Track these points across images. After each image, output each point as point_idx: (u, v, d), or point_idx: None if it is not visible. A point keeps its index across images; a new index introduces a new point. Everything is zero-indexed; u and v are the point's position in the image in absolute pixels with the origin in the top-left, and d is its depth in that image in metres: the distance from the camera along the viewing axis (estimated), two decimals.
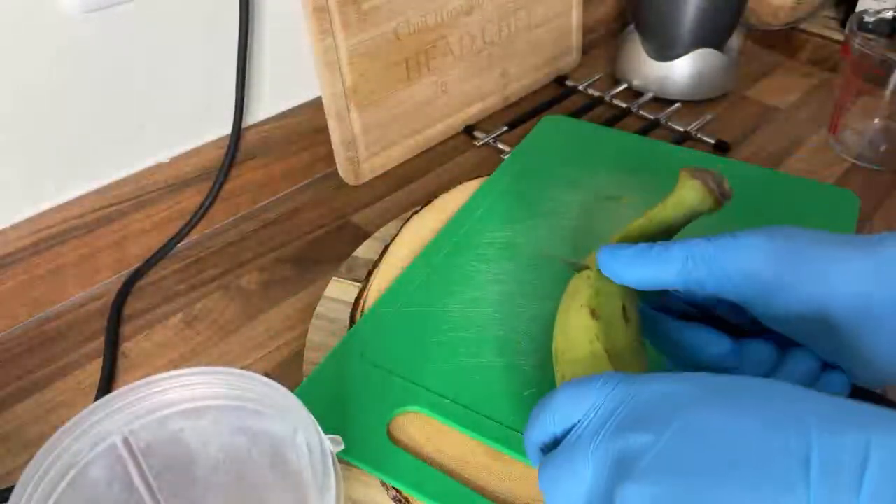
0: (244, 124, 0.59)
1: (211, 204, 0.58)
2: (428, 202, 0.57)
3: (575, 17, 0.78)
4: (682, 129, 0.69)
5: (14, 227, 0.50)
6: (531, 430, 0.32)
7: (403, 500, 0.38)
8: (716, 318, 0.38)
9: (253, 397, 0.32)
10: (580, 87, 0.76)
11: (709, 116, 0.71)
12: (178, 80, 0.54)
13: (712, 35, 0.72)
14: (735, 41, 0.74)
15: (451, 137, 0.70)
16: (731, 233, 0.34)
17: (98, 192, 0.53)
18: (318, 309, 0.50)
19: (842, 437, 0.22)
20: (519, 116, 0.72)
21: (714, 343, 0.36)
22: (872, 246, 0.32)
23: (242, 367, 0.40)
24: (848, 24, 0.63)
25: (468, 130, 0.70)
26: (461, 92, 0.69)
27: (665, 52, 0.73)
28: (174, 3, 0.52)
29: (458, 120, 0.70)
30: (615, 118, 0.72)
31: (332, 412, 0.41)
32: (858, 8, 0.80)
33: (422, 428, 0.41)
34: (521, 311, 0.47)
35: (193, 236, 0.59)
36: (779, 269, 0.33)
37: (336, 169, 0.63)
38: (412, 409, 0.42)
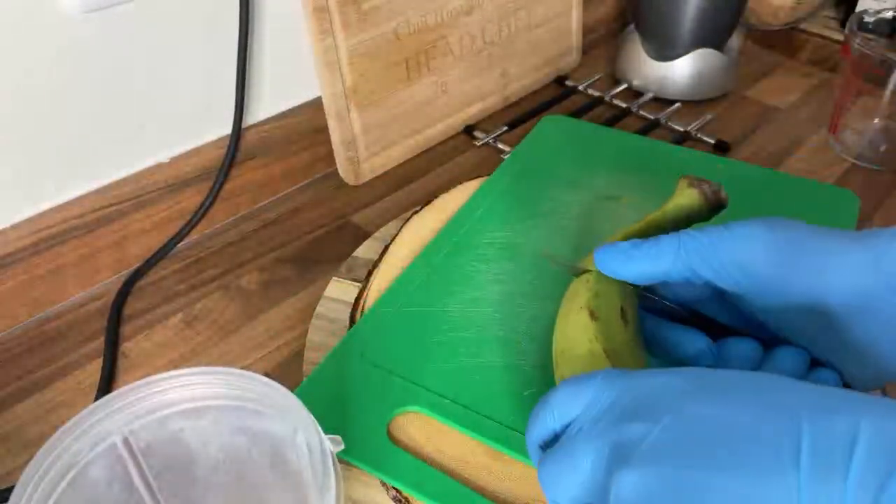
0: (244, 124, 0.59)
1: (211, 204, 0.58)
2: (428, 202, 0.57)
3: (575, 17, 0.78)
4: (682, 129, 0.69)
5: (14, 227, 0.50)
6: (531, 427, 0.32)
7: (403, 500, 0.38)
8: (705, 319, 0.39)
9: (253, 397, 0.32)
10: (580, 87, 0.76)
11: (709, 116, 0.71)
12: (178, 80, 0.54)
13: (712, 35, 0.72)
14: (735, 41, 0.74)
15: (451, 137, 0.70)
16: (723, 224, 0.35)
17: (98, 192, 0.53)
18: (318, 309, 0.50)
19: (832, 421, 0.23)
20: (519, 116, 0.72)
21: (689, 341, 0.37)
22: (871, 239, 0.32)
23: (242, 367, 0.40)
24: (848, 24, 0.63)
25: (468, 130, 0.70)
26: (461, 92, 0.69)
27: (665, 52, 0.73)
28: (174, 3, 0.52)
29: (458, 120, 0.70)
30: (615, 118, 0.72)
31: (332, 412, 0.41)
32: (858, 8, 0.80)
33: (422, 428, 0.41)
34: (521, 311, 0.47)
35: (193, 236, 0.59)
36: (777, 259, 0.33)
37: (336, 169, 0.63)
38: (412, 409, 0.42)
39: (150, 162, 0.55)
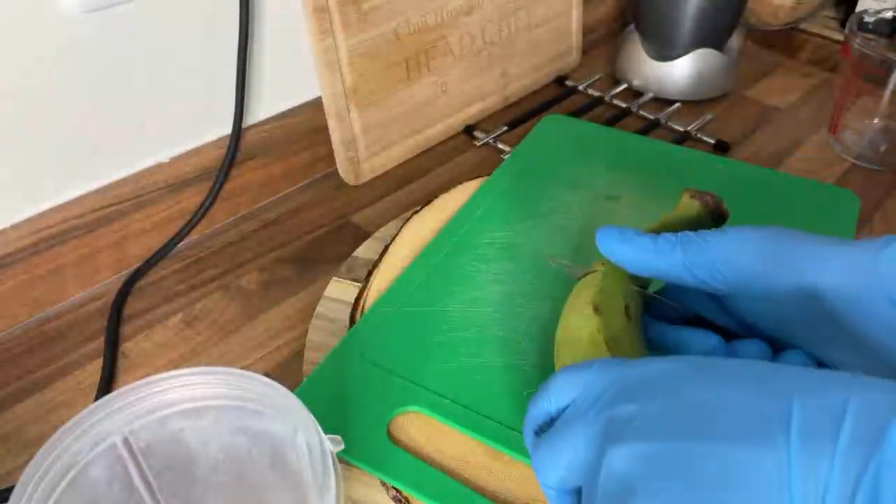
0: (244, 124, 0.59)
1: (211, 204, 0.58)
2: (428, 202, 0.57)
3: (575, 17, 0.78)
4: (682, 129, 0.69)
5: (14, 227, 0.50)
6: (529, 412, 0.32)
7: (403, 500, 0.38)
8: (711, 324, 0.39)
9: (253, 397, 0.32)
10: (580, 87, 0.76)
11: (709, 116, 0.71)
12: (178, 80, 0.54)
13: (712, 35, 0.72)
14: (735, 41, 0.74)
15: (451, 137, 0.70)
16: (719, 229, 0.36)
17: (98, 192, 0.53)
18: (318, 309, 0.50)
19: (822, 395, 0.23)
20: (519, 116, 0.72)
21: (700, 340, 0.37)
22: (863, 243, 0.32)
23: (242, 367, 0.40)
24: (848, 24, 0.63)
25: (468, 130, 0.70)
26: (461, 92, 0.69)
27: (665, 52, 0.73)
28: (174, 3, 0.52)
29: (458, 120, 0.70)
30: (615, 118, 0.72)
31: (332, 412, 0.41)
32: (858, 8, 0.80)
33: (422, 428, 0.41)
34: (521, 311, 0.47)
35: (193, 236, 0.59)
36: (766, 255, 0.33)
37: (336, 169, 0.63)
38: (412, 408, 0.42)
39: (150, 162, 0.55)
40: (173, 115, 0.55)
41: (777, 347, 0.36)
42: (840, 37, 0.83)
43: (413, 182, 0.65)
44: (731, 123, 0.71)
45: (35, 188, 0.50)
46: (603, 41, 0.86)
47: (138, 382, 0.32)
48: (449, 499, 0.37)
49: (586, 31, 0.81)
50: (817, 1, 0.84)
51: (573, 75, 0.79)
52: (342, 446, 0.31)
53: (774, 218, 0.39)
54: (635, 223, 0.50)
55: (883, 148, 0.65)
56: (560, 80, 0.78)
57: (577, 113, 0.72)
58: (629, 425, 0.26)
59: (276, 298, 0.54)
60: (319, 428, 0.30)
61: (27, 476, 0.28)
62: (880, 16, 0.66)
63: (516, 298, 0.48)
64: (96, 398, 0.46)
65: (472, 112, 0.71)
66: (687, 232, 0.36)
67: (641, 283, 0.40)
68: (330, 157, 0.63)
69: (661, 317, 0.40)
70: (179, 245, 0.58)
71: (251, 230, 0.60)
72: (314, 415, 0.31)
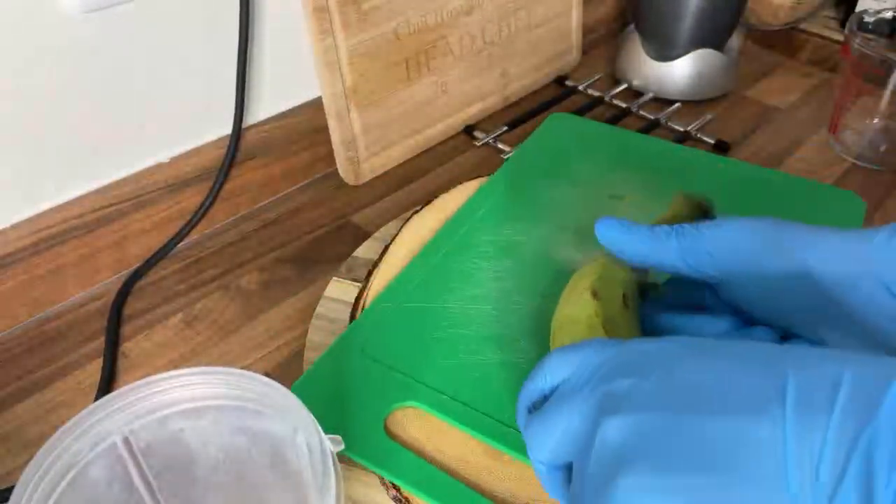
0: (244, 124, 0.59)
1: (211, 204, 0.58)
2: (428, 202, 0.57)
3: (575, 17, 0.78)
4: (682, 129, 0.69)
5: (14, 227, 0.50)
6: (524, 390, 0.33)
7: (404, 501, 0.38)
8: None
9: (253, 397, 0.32)
10: (580, 87, 0.76)
11: (709, 116, 0.71)
12: (178, 80, 0.54)
13: (712, 35, 0.72)
14: (735, 41, 0.74)
15: (451, 137, 0.70)
16: (713, 220, 0.36)
17: (98, 192, 0.53)
18: (318, 309, 0.50)
19: (817, 370, 0.23)
20: (519, 116, 0.72)
21: (711, 325, 0.37)
22: (859, 231, 0.32)
23: (242, 367, 0.40)
24: (848, 24, 0.63)
25: (468, 130, 0.70)
26: (461, 92, 0.69)
27: (665, 52, 0.73)
28: (174, 3, 0.52)
29: (458, 120, 0.70)
30: (615, 118, 0.72)
31: (330, 406, 0.42)
32: (858, 8, 0.80)
33: (422, 428, 0.41)
34: (521, 309, 0.47)
35: (193, 236, 0.59)
36: (759, 243, 0.34)
37: (336, 169, 0.63)
38: (410, 404, 0.42)
39: (150, 162, 0.55)
40: (173, 115, 0.55)
41: (782, 337, 0.37)
42: (840, 37, 0.83)
43: (413, 182, 0.65)
44: (731, 123, 0.71)
45: (35, 188, 0.50)
46: (603, 41, 0.86)
47: (138, 382, 0.32)
48: (447, 496, 0.37)
49: (586, 31, 0.81)
50: (817, 1, 0.84)
51: (573, 75, 0.79)
52: (342, 446, 0.31)
53: None
54: (638, 221, 0.50)
55: (883, 148, 0.65)
56: (560, 80, 0.78)
57: (577, 113, 0.72)
58: (624, 399, 0.26)
59: (276, 298, 0.54)
60: (319, 428, 0.30)
61: (27, 476, 0.28)
62: (880, 16, 0.66)
63: (516, 297, 0.48)
64: (96, 398, 0.46)
65: (472, 112, 0.71)
66: (684, 225, 0.36)
67: (640, 277, 0.40)
68: (330, 157, 0.63)
69: (668, 306, 0.40)
70: (179, 245, 0.58)
71: (251, 230, 0.60)
72: (312, 408, 0.31)
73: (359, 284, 0.51)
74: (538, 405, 0.32)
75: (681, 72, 0.73)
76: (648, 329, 0.39)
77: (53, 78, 0.48)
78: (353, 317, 0.48)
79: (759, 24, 0.86)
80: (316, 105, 0.61)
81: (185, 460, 0.34)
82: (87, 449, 0.30)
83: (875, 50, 0.62)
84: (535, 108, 0.73)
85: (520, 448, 0.38)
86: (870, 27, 0.66)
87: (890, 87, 0.61)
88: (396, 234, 0.54)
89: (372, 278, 0.51)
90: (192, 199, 0.58)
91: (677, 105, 0.73)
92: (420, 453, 0.40)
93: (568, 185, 0.57)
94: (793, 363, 0.24)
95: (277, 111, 0.61)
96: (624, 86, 0.76)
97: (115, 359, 0.49)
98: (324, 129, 0.61)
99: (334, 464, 0.30)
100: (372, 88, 0.61)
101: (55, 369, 0.49)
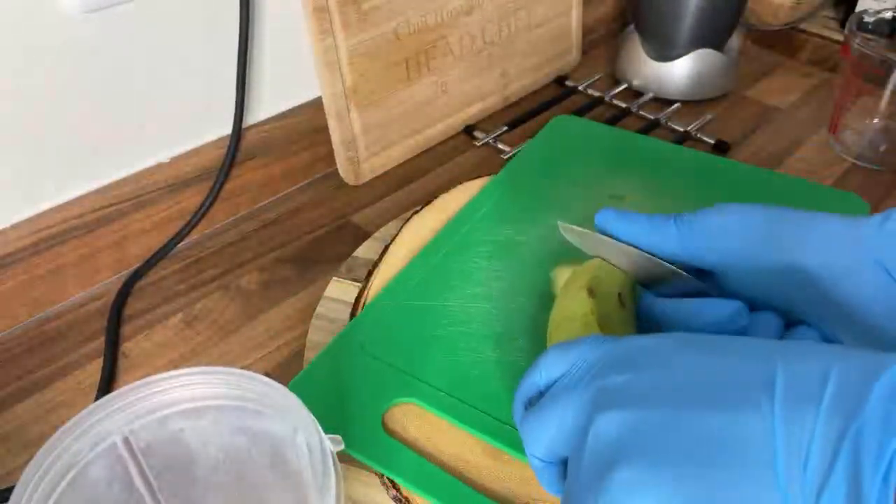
0: (244, 124, 0.59)
1: (211, 204, 0.58)
2: (428, 202, 0.57)
3: (575, 17, 0.78)
4: (682, 130, 0.69)
5: (14, 227, 0.50)
6: (520, 387, 0.33)
7: (403, 500, 0.38)
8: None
9: (253, 397, 0.32)
10: (580, 87, 0.76)
11: (709, 116, 0.71)
12: (178, 80, 0.54)
13: (712, 35, 0.72)
14: (735, 41, 0.74)
15: (451, 137, 0.70)
16: (713, 206, 0.37)
17: (98, 192, 0.53)
18: (318, 309, 0.50)
19: (805, 363, 0.24)
20: (519, 116, 0.72)
21: (716, 308, 0.36)
22: (857, 218, 0.33)
23: (242, 367, 0.40)
24: (848, 24, 0.63)
25: (468, 130, 0.70)
26: (461, 92, 0.69)
27: (665, 52, 0.73)
28: (174, 3, 0.52)
29: (458, 120, 0.70)
30: (615, 118, 0.72)
31: (329, 402, 0.42)
32: (858, 8, 0.80)
33: (421, 426, 0.41)
34: (520, 308, 0.47)
35: (193, 236, 0.59)
36: (751, 237, 0.35)
37: (336, 169, 0.63)
38: (409, 401, 0.42)
39: (150, 162, 0.55)
40: (173, 115, 0.55)
41: (787, 324, 0.37)
42: (840, 37, 0.83)
43: (413, 182, 0.65)
44: (730, 123, 0.71)
45: (35, 188, 0.50)
46: (603, 41, 0.86)
47: (138, 382, 0.32)
48: (447, 495, 0.37)
49: (586, 31, 0.81)
50: (817, 1, 0.84)
51: (573, 75, 0.79)
52: (342, 446, 0.31)
53: None
54: None
55: (883, 148, 0.65)
56: (560, 80, 0.78)
57: (577, 113, 0.72)
58: (619, 394, 0.27)
59: (276, 298, 0.54)
60: (319, 428, 0.30)
61: (27, 476, 0.28)
62: (880, 16, 0.66)
63: (516, 296, 0.48)
64: (96, 398, 0.46)
65: (472, 112, 0.71)
66: (683, 213, 0.37)
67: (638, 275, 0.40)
68: (330, 157, 0.63)
69: (670, 294, 0.40)
70: (179, 245, 0.58)
71: (251, 230, 0.60)
72: (310, 405, 0.31)
73: (359, 284, 0.51)
74: (534, 401, 0.32)
75: (681, 72, 0.73)
76: (649, 317, 0.39)
77: (53, 78, 0.48)
78: (353, 317, 0.48)
79: (759, 24, 0.86)
80: (316, 105, 0.61)
81: (185, 460, 0.34)
82: (87, 449, 0.30)
83: (875, 50, 0.62)
84: (535, 108, 0.73)
85: (519, 446, 0.38)
86: (870, 27, 0.66)
87: (890, 87, 0.61)
88: (396, 234, 0.54)
89: (372, 278, 0.51)
90: (192, 199, 0.58)
91: (677, 105, 0.73)
92: (420, 452, 0.40)
93: (569, 186, 0.57)
94: (782, 357, 0.24)
95: (277, 111, 0.61)
96: (624, 86, 0.76)
97: (115, 359, 0.49)
98: (324, 129, 0.61)
99: (334, 464, 0.30)
100: (372, 88, 0.61)
101: (55, 369, 0.49)
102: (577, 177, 0.58)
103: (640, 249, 0.38)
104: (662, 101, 0.74)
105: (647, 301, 0.39)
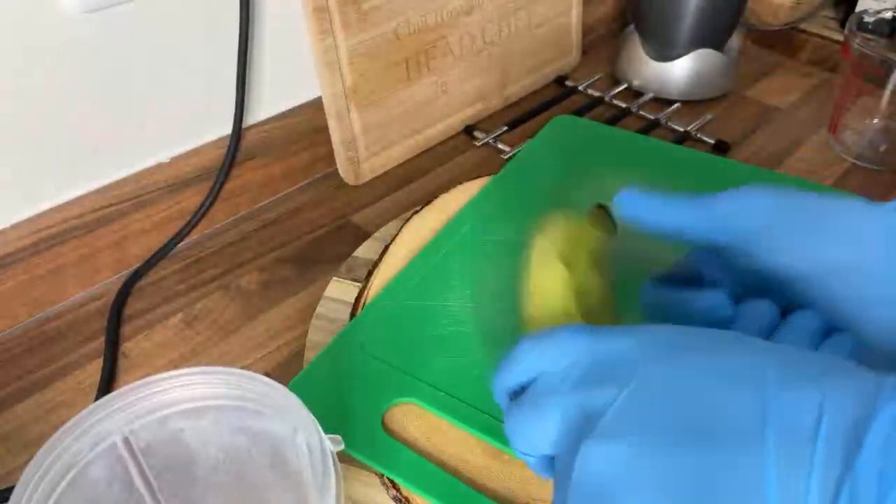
0: (244, 124, 0.59)
1: (211, 204, 0.58)
2: (428, 202, 0.57)
3: (575, 17, 0.78)
4: (682, 130, 0.69)
5: (14, 227, 0.50)
6: (499, 378, 0.32)
7: (404, 500, 0.38)
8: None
9: (253, 397, 0.32)
10: (580, 88, 0.76)
11: (709, 116, 0.71)
12: (178, 80, 0.54)
13: (712, 35, 0.72)
14: (735, 41, 0.74)
15: (451, 137, 0.70)
16: (733, 187, 0.36)
17: (98, 192, 0.53)
18: (318, 309, 0.50)
19: (796, 393, 0.23)
20: (519, 116, 0.72)
21: (702, 296, 0.36)
22: (880, 207, 0.32)
23: (242, 367, 0.40)
24: (848, 25, 0.63)
25: (468, 130, 0.70)
26: (461, 92, 0.69)
27: (665, 52, 0.73)
28: (174, 3, 0.52)
29: (458, 120, 0.70)
30: (615, 118, 0.72)
31: (328, 403, 0.42)
32: (858, 8, 0.80)
33: (421, 426, 0.41)
34: (520, 307, 0.47)
35: (193, 236, 0.59)
36: (782, 207, 0.33)
37: (336, 169, 0.63)
38: (409, 400, 0.42)
39: (150, 162, 0.55)
40: (173, 115, 0.55)
41: (784, 309, 0.36)
42: (840, 37, 0.83)
43: (413, 182, 0.65)
44: (730, 123, 0.71)
45: (35, 188, 0.50)
46: (603, 41, 0.86)
47: (138, 382, 0.32)
48: (446, 495, 0.37)
49: (586, 31, 0.81)
50: (817, 1, 0.84)
51: (573, 75, 0.79)
52: (342, 446, 0.31)
53: None
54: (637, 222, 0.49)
55: (883, 148, 0.65)
56: (560, 80, 0.78)
57: (577, 113, 0.72)
58: (600, 418, 0.26)
59: (276, 298, 0.54)
60: (319, 428, 0.30)
61: (27, 476, 0.28)
62: (880, 16, 0.66)
63: (516, 295, 0.48)
64: (96, 398, 0.46)
65: (472, 112, 0.71)
66: (702, 193, 0.36)
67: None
68: (330, 157, 0.63)
69: (662, 279, 0.39)
70: (179, 245, 0.58)
71: (251, 230, 0.60)
72: (310, 405, 0.31)
73: (359, 284, 0.51)
74: (517, 393, 0.31)
75: (681, 72, 0.73)
76: (650, 302, 0.38)
77: (53, 78, 0.48)
78: (353, 317, 0.48)
79: (759, 24, 0.86)
80: (316, 105, 0.61)
81: (185, 460, 0.34)
82: (87, 449, 0.30)
83: (875, 50, 0.62)
84: (535, 108, 0.73)
85: None
86: (870, 27, 0.66)
87: (890, 87, 0.61)
88: (396, 234, 0.54)
89: (372, 278, 0.51)
90: (192, 199, 0.58)
91: (677, 105, 0.73)
92: (420, 452, 0.40)
93: (569, 186, 0.57)
94: (772, 374, 0.24)
95: (277, 111, 0.61)
96: (624, 86, 0.76)
97: (115, 359, 0.49)
98: (324, 129, 0.61)
99: (334, 464, 0.30)
100: (372, 88, 0.61)
101: (55, 369, 0.49)
102: (577, 177, 0.58)
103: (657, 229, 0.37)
104: (662, 101, 0.74)
105: (646, 287, 0.39)
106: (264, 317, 0.52)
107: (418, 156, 0.68)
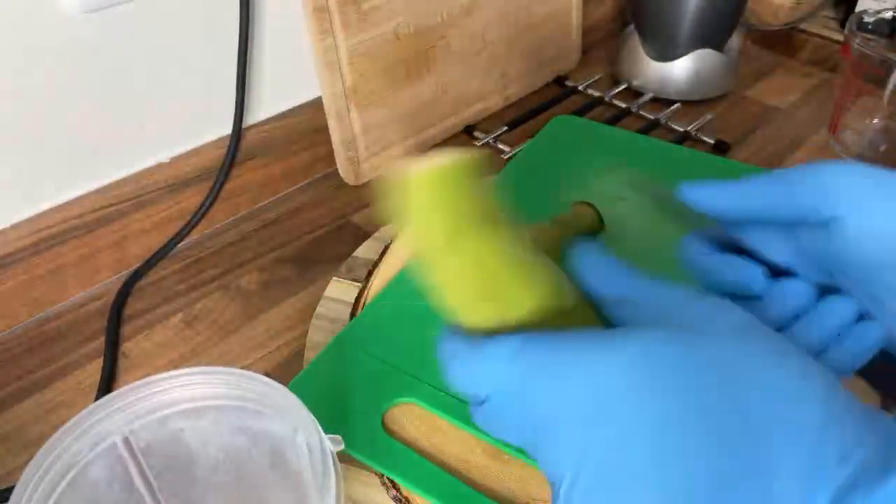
0: (244, 124, 0.59)
1: (211, 204, 0.58)
2: None
3: (575, 17, 0.78)
4: (681, 130, 0.69)
5: (14, 227, 0.50)
6: (447, 372, 0.30)
7: (404, 500, 0.38)
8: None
9: (253, 397, 0.32)
10: (580, 88, 0.76)
11: (709, 116, 0.71)
12: (178, 80, 0.54)
13: (712, 35, 0.72)
14: (735, 41, 0.74)
15: (451, 137, 0.70)
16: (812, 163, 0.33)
17: (98, 192, 0.53)
18: (318, 309, 0.50)
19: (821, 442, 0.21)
20: (519, 116, 0.72)
21: (737, 269, 0.34)
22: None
23: (242, 367, 0.40)
24: (847, 25, 0.63)
25: (468, 130, 0.70)
26: (461, 92, 0.69)
27: (665, 52, 0.73)
28: (174, 3, 0.52)
29: (458, 120, 0.70)
30: (615, 118, 0.72)
31: (328, 402, 0.42)
32: (858, 8, 0.80)
33: (421, 426, 0.41)
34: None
35: (193, 236, 0.59)
36: (876, 191, 0.30)
37: (336, 169, 0.63)
38: (409, 400, 0.42)
39: (150, 162, 0.55)
40: (173, 115, 0.55)
41: (822, 290, 0.34)
42: (840, 37, 0.83)
43: None
44: (730, 123, 0.71)
45: (35, 188, 0.50)
46: (603, 41, 0.86)
47: (138, 382, 0.32)
48: (446, 494, 0.37)
49: (586, 31, 0.81)
50: (817, 1, 0.84)
51: (573, 75, 0.79)
52: (342, 446, 0.31)
53: None
54: (639, 223, 0.50)
55: (883, 148, 0.65)
56: (560, 80, 0.78)
57: (577, 113, 0.72)
58: (560, 486, 0.23)
59: (276, 298, 0.54)
60: (319, 428, 0.30)
61: (27, 476, 0.28)
62: (880, 16, 0.66)
63: None
64: (96, 398, 0.46)
65: (472, 112, 0.71)
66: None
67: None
68: (330, 157, 0.63)
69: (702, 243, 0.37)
70: (179, 245, 0.58)
71: (251, 230, 0.60)
72: (310, 404, 0.31)
73: (359, 284, 0.51)
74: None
75: (681, 72, 0.73)
76: (690, 262, 0.36)
77: (53, 78, 0.48)
78: (353, 317, 0.48)
79: (759, 24, 0.86)
80: (316, 105, 0.61)
81: (185, 460, 0.34)
82: (87, 449, 0.30)
83: (875, 50, 0.62)
84: (535, 108, 0.73)
85: (517, 447, 0.38)
86: (870, 27, 0.66)
87: (890, 87, 0.61)
88: (396, 235, 0.54)
89: (372, 278, 0.51)
90: (192, 199, 0.58)
91: (677, 105, 0.73)
92: (420, 452, 0.40)
93: (569, 186, 0.57)
94: (781, 440, 0.21)
95: (277, 111, 0.61)
96: (624, 86, 0.76)
97: (115, 359, 0.49)
98: (324, 129, 0.61)
99: (334, 464, 0.30)
100: (372, 88, 0.61)
101: (55, 369, 0.49)
102: (577, 177, 0.58)
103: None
104: (662, 101, 0.74)
105: (686, 245, 0.36)
106: (264, 317, 0.52)
107: (418, 156, 0.68)
